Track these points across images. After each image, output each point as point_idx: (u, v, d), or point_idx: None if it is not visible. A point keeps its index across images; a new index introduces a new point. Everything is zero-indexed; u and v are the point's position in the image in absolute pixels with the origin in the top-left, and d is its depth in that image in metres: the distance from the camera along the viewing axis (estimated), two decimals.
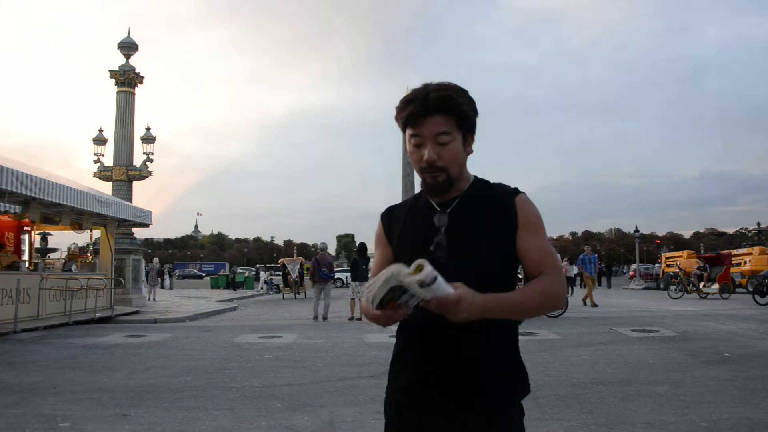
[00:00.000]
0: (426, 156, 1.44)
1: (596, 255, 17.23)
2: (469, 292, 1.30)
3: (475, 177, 1.57)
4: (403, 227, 1.57)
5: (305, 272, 23.73)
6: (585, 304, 15.14)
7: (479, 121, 1.53)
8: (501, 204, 1.48)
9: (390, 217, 1.64)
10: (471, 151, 1.52)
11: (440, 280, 1.24)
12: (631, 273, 35.89)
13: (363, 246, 13.61)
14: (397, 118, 1.50)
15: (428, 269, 1.22)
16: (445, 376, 1.43)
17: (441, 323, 1.35)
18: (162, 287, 29.75)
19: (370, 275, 1.68)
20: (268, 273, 32.00)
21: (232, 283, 31.04)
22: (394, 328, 1.55)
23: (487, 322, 1.38)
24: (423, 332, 1.48)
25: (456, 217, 1.49)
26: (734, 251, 25.57)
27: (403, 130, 1.51)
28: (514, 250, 1.47)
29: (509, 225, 1.46)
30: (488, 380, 1.43)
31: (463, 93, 1.47)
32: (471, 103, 1.48)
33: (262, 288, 28.54)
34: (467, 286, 1.31)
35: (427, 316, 1.37)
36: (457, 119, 1.44)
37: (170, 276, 32.14)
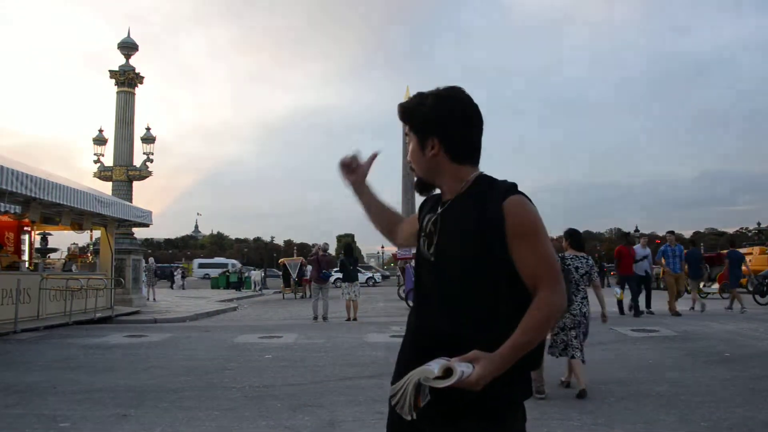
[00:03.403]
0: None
1: (682, 246, 12.57)
2: (485, 367, 1.32)
3: (480, 176, 1.55)
4: (420, 225, 1.64)
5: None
6: (673, 313, 11.39)
7: None
8: (492, 209, 1.43)
9: (422, 209, 1.72)
10: (436, 155, 1.53)
11: (465, 371, 1.29)
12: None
13: (349, 247, 13.79)
14: None
15: (458, 373, 1.26)
16: None
17: (441, 327, 1.35)
18: (172, 287, 29.70)
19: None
20: (258, 272, 32.21)
21: (238, 283, 30.98)
22: (395, 327, 1.55)
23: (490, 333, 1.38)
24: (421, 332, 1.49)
25: (446, 218, 1.52)
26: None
27: None
28: (507, 257, 1.42)
29: (499, 232, 1.41)
30: (486, 386, 1.40)
31: (425, 100, 1.53)
32: (435, 109, 1.52)
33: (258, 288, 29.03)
34: (480, 351, 1.34)
35: (427, 318, 1.38)
36: (412, 125, 1.57)
37: (173, 276, 31.95)
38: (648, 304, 11.97)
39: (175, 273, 32.81)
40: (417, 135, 1.55)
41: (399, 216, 1.87)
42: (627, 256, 11.53)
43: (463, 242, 1.45)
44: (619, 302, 11.60)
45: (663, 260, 12.38)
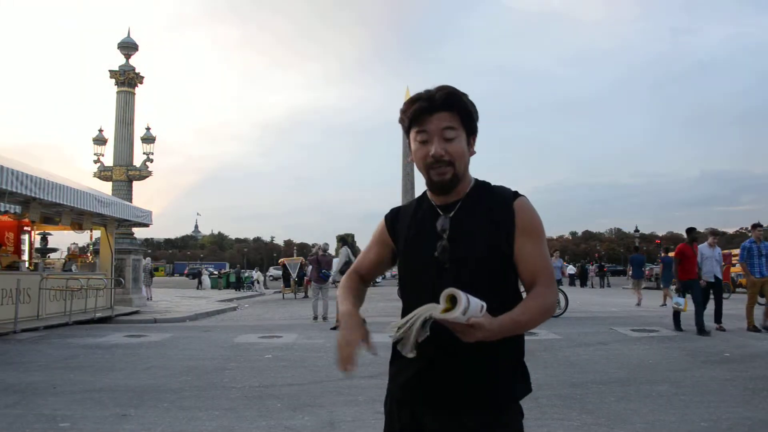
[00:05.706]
0: (433, 150, 1.46)
1: None
2: (488, 318, 1.28)
3: (476, 180, 1.58)
4: (409, 232, 1.58)
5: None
6: (751, 327, 9.26)
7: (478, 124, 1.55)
8: (501, 208, 1.48)
9: (395, 219, 1.64)
10: (474, 152, 1.54)
11: (472, 301, 1.22)
12: (647, 272, 31.23)
13: (349, 241, 13.76)
14: (401, 119, 1.52)
15: (463, 300, 1.20)
16: (441, 374, 1.43)
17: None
18: (198, 288, 29.56)
19: (352, 265, 1.73)
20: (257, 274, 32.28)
21: (236, 283, 31.06)
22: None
23: None
24: None
25: (458, 221, 1.50)
26: (734, 251, 25.53)
27: (408, 130, 1.52)
28: (513, 255, 1.47)
29: (508, 229, 1.46)
30: (484, 379, 1.42)
31: (465, 95, 1.51)
32: (473, 104, 1.52)
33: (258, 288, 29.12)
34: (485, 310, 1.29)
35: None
36: (461, 117, 1.47)
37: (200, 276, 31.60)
38: (718, 317, 9.52)
39: (203, 273, 32.57)
40: (466, 127, 1.49)
41: (360, 288, 1.74)
42: (691, 257, 9.34)
43: (482, 242, 1.46)
44: (676, 314, 9.57)
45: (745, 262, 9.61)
